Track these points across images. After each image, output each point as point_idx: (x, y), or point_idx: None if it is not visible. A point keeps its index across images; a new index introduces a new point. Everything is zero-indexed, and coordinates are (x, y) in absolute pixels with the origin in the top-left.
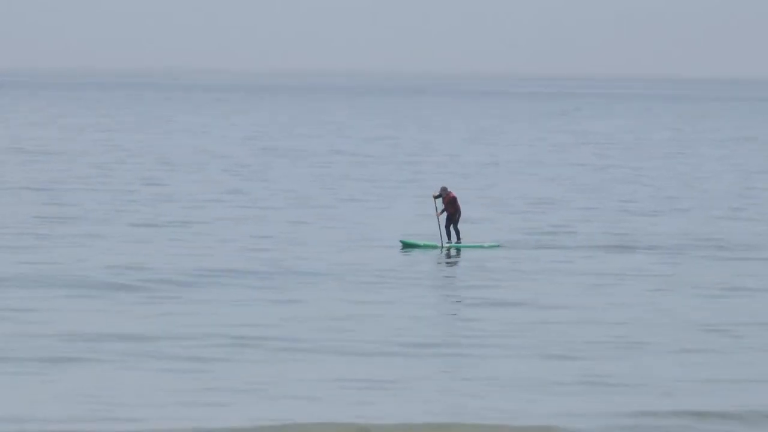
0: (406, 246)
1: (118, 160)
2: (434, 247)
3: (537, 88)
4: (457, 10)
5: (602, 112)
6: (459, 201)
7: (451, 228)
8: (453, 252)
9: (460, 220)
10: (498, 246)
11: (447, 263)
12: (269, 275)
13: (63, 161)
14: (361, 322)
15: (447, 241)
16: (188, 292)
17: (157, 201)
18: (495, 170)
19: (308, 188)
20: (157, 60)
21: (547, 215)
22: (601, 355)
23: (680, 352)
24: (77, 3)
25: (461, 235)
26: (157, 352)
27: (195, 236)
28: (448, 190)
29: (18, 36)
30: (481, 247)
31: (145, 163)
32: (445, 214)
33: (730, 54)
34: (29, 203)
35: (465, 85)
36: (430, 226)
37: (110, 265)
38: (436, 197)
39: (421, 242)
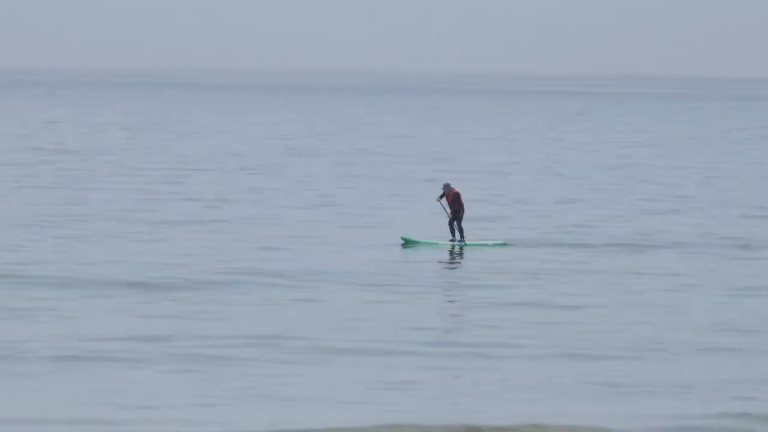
0: (408, 243)
1: (139, 158)
2: (435, 244)
3: (542, 87)
4: (457, 10)
5: (616, 111)
6: (462, 198)
7: (455, 225)
8: (457, 250)
9: (464, 217)
10: (504, 244)
11: (464, 261)
12: (286, 275)
13: (83, 159)
14: (379, 321)
15: (451, 238)
16: (207, 292)
17: (176, 200)
18: (517, 169)
19: (330, 187)
20: (157, 60)
21: (567, 214)
22: (628, 355)
23: (707, 351)
24: (77, 3)
25: (464, 233)
26: (178, 353)
27: (213, 235)
28: (451, 186)
29: (18, 36)
30: (486, 245)
31: (165, 162)
32: (440, 204)
33: (729, 54)
34: (49, 202)
35: (469, 84)
36: (445, 226)
37: (130, 264)
38: (440, 198)
39: (422, 240)
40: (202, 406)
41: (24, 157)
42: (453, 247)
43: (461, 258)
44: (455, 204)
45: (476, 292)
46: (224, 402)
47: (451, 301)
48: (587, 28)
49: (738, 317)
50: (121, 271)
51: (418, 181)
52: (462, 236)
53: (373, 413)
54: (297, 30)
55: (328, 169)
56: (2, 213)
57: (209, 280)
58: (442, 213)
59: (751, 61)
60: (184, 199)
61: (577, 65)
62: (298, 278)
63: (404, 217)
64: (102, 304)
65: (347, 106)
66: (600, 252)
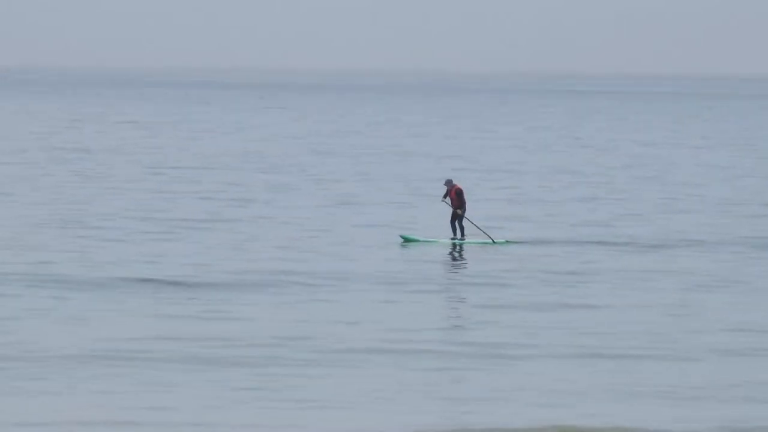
0: (407, 242)
1: (158, 157)
2: (434, 243)
3: (545, 87)
4: (457, 10)
5: (633, 109)
6: (465, 195)
7: (456, 223)
8: (458, 248)
9: (472, 216)
10: (506, 242)
11: (473, 260)
12: (305, 275)
13: (102, 158)
14: (398, 321)
15: (452, 236)
16: (222, 293)
17: (197, 199)
18: (536, 167)
19: (349, 186)
20: (157, 60)
21: (585, 213)
22: (646, 354)
23: (726, 353)
24: (77, 3)
25: (465, 232)
26: (193, 354)
27: (230, 235)
28: (454, 183)
29: (18, 36)
30: (486, 243)
31: (183, 160)
32: (445, 203)
33: (730, 53)
34: (67, 201)
35: (474, 84)
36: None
37: (144, 263)
38: (444, 197)
39: (421, 237)
40: (211, 408)
41: (41, 157)
42: (454, 245)
43: (470, 256)
44: (457, 200)
45: (492, 291)
46: (235, 403)
47: (464, 301)
48: (587, 28)
49: (758, 318)
50: (137, 270)
51: (439, 179)
52: (463, 234)
53: (398, 416)
54: (297, 30)
55: (347, 167)
56: (23, 213)
57: (225, 280)
58: (450, 211)
59: (751, 61)
60: (204, 198)
61: (577, 65)
62: (317, 279)
63: (422, 216)
64: (119, 305)
65: (360, 104)
66: (618, 251)
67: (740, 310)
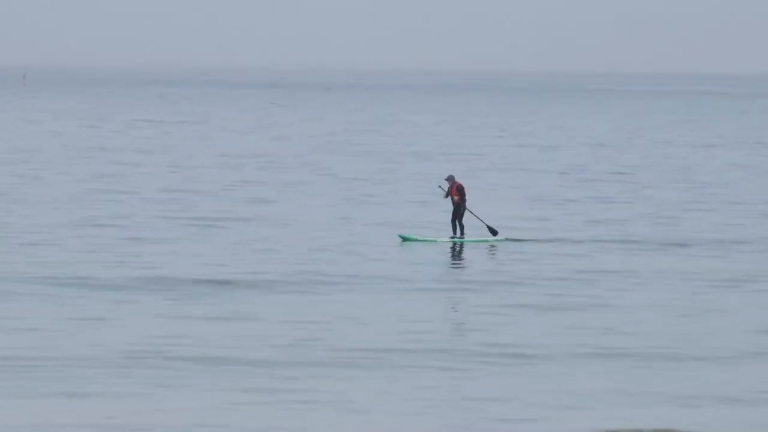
0: (406, 241)
1: (178, 156)
2: (433, 242)
3: (551, 86)
4: (457, 10)
5: (652, 108)
6: (466, 192)
7: (457, 222)
8: (458, 247)
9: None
10: (505, 240)
11: (479, 260)
12: (323, 276)
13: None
14: (420, 324)
15: (452, 235)
16: (233, 294)
17: (215, 198)
18: (553, 167)
19: (372, 188)
20: (157, 60)
21: (604, 212)
22: (669, 355)
23: (754, 355)
24: (77, 3)
25: (465, 230)
26: (208, 355)
27: (244, 236)
28: (455, 179)
29: (18, 35)
30: (486, 241)
31: (206, 159)
32: (447, 198)
33: (730, 53)
34: (86, 206)
35: (479, 83)
36: (471, 223)
37: (164, 264)
38: (446, 195)
39: (420, 237)
40: (221, 410)
41: (63, 157)
42: (454, 244)
43: (476, 255)
44: (458, 197)
45: (506, 291)
46: (243, 406)
47: (478, 303)
48: (587, 28)
49: None
50: (150, 270)
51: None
52: (462, 233)
53: (413, 418)
54: (297, 30)
55: (367, 167)
56: (41, 213)
57: (239, 281)
58: (451, 210)
59: (751, 61)
60: (224, 198)
61: (576, 65)
62: (330, 280)
63: (438, 217)
64: (132, 306)
65: (369, 103)
66: (641, 249)
67: (761, 310)
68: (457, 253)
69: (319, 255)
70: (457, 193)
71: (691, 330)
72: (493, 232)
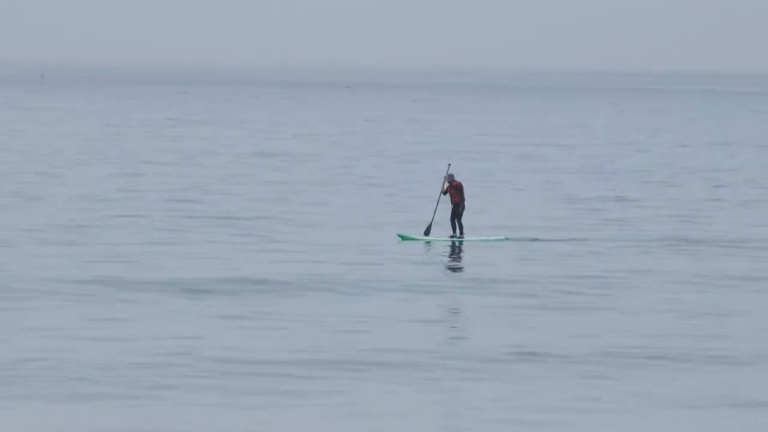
0: (404, 240)
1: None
2: (433, 241)
3: (553, 85)
4: (457, 10)
5: (668, 108)
6: (465, 191)
7: (456, 221)
8: (457, 246)
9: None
10: (506, 239)
11: (481, 261)
12: (334, 281)
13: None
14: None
15: (452, 234)
16: (242, 297)
17: (233, 198)
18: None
19: (388, 188)
20: (156, 60)
21: (617, 212)
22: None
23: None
24: (77, 3)
25: (464, 229)
26: (216, 357)
27: (257, 238)
28: (455, 177)
29: (18, 35)
30: (486, 240)
31: (222, 158)
32: (442, 196)
33: (730, 53)
34: (95, 207)
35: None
36: (472, 223)
37: (176, 266)
38: (444, 192)
39: (418, 236)
40: (229, 412)
41: (79, 158)
42: (453, 243)
43: (480, 255)
44: (456, 196)
45: (506, 291)
46: (250, 410)
47: (489, 305)
48: (587, 28)
49: None
50: (162, 273)
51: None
52: (462, 232)
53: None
54: (297, 30)
55: (391, 168)
56: (57, 213)
57: (245, 283)
58: (450, 209)
59: (751, 60)
60: (244, 199)
61: (577, 65)
62: (348, 285)
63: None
64: (147, 309)
65: (385, 102)
66: (654, 249)
67: None
68: (456, 252)
69: (331, 256)
70: (456, 193)
71: (706, 332)
72: (426, 232)
